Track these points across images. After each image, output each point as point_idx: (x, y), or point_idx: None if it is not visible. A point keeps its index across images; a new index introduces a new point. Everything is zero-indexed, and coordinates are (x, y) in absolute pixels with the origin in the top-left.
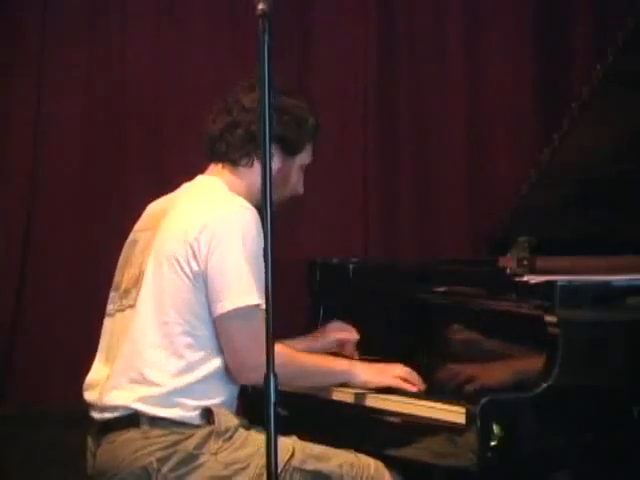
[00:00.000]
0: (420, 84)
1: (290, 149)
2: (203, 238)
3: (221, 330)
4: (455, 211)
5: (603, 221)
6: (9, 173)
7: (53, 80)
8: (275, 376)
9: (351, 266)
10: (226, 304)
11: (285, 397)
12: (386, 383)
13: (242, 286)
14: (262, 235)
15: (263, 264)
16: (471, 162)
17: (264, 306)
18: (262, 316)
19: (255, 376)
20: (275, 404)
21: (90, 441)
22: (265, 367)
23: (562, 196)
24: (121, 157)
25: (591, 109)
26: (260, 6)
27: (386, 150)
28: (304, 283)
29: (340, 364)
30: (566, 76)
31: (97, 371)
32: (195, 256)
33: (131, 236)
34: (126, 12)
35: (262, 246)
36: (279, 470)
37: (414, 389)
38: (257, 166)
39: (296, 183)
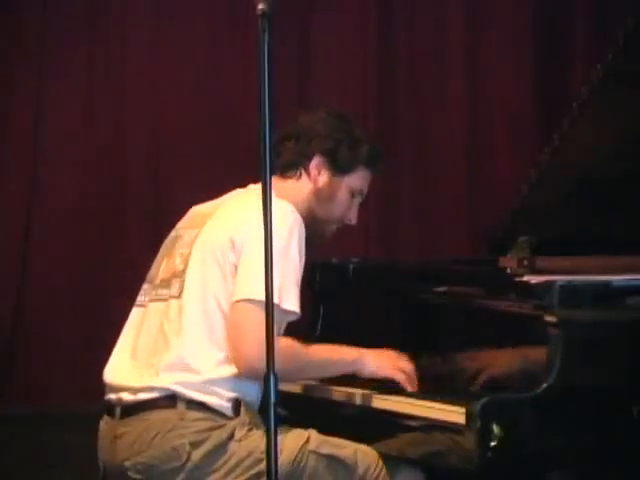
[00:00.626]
0: (420, 84)
1: (339, 167)
2: (243, 230)
3: (232, 317)
4: (455, 211)
5: (603, 221)
6: (9, 173)
7: (53, 80)
8: (275, 376)
9: (351, 266)
10: (243, 292)
11: (285, 397)
12: (390, 373)
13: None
14: (303, 240)
15: (296, 265)
16: (471, 162)
17: (283, 305)
18: (278, 313)
19: (257, 368)
20: (275, 404)
21: (108, 425)
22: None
23: (562, 196)
24: (121, 157)
25: (591, 109)
26: (260, 6)
27: (386, 150)
28: (304, 283)
29: (349, 353)
30: (566, 76)
31: (125, 357)
32: (234, 248)
33: (173, 233)
34: (126, 12)
35: (301, 250)
36: (295, 453)
37: (409, 389)
38: (304, 179)
39: (346, 208)
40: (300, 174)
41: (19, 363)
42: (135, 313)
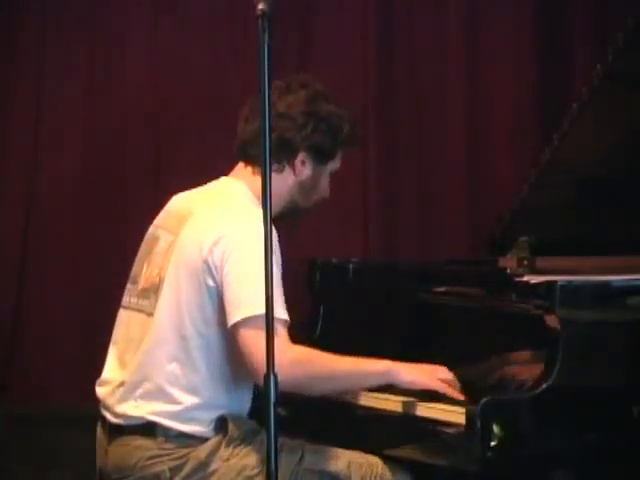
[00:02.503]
0: (420, 84)
1: (323, 158)
2: (217, 251)
3: (236, 340)
4: (455, 211)
5: (603, 221)
6: (9, 174)
7: (53, 80)
8: (275, 376)
9: (351, 266)
10: (237, 314)
11: (286, 398)
12: (432, 386)
13: (254, 296)
14: (277, 247)
15: (279, 275)
16: (471, 162)
17: (279, 315)
18: (278, 324)
19: (283, 381)
20: (275, 404)
21: (102, 435)
22: (285, 369)
23: (562, 196)
24: (121, 157)
25: (591, 109)
26: (260, 6)
27: (386, 150)
28: (304, 283)
29: (380, 364)
30: (566, 76)
31: (112, 371)
32: (210, 271)
33: (152, 229)
34: (126, 12)
35: (278, 258)
36: (290, 473)
37: (457, 395)
38: (287, 172)
39: (324, 188)
40: (283, 168)
41: (19, 363)
42: (122, 315)
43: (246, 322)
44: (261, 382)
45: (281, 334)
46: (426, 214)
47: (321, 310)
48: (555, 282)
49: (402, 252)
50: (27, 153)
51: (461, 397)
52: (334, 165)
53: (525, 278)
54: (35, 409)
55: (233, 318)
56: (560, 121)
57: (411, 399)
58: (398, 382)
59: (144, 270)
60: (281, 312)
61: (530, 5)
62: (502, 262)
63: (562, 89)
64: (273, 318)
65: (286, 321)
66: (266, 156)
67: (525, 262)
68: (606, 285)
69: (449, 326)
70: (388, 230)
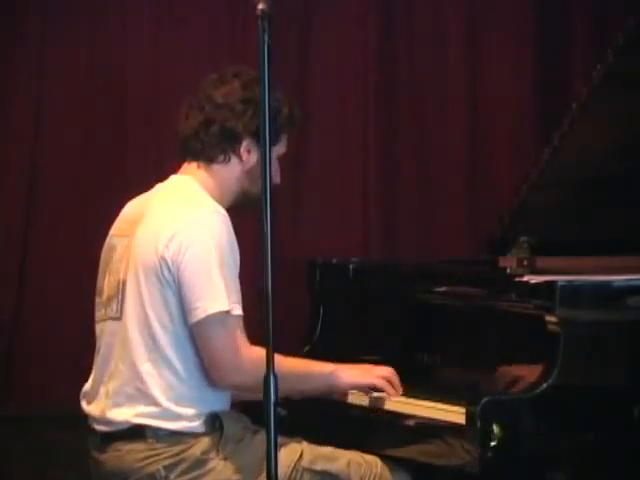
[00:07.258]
0: (420, 84)
1: None
2: (172, 247)
3: (197, 337)
4: (455, 211)
5: (603, 221)
6: (8, 173)
7: (53, 80)
8: (275, 376)
9: (351, 266)
10: (198, 312)
11: (285, 398)
12: (371, 382)
13: (212, 293)
14: (233, 238)
15: (236, 269)
16: (471, 162)
17: (235, 311)
18: (235, 321)
19: (235, 379)
20: (275, 404)
21: (92, 448)
22: (248, 367)
23: (562, 196)
24: (121, 157)
25: (591, 109)
26: (260, 6)
27: (386, 150)
28: (304, 283)
29: (327, 367)
30: (566, 76)
31: (93, 383)
32: (167, 265)
33: (108, 240)
34: (126, 12)
35: (234, 250)
36: (289, 471)
37: (393, 393)
38: (233, 161)
39: (273, 174)
40: (229, 158)
41: (19, 363)
42: (97, 330)
43: (204, 322)
44: (222, 384)
45: (239, 334)
46: (426, 214)
47: (321, 310)
48: (555, 282)
49: (402, 252)
50: (27, 153)
51: (398, 393)
52: (280, 149)
53: (525, 278)
54: (35, 409)
55: (191, 318)
56: (560, 121)
57: (412, 399)
58: (339, 385)
59: (106, 279)
60: (237, 308)
61: (530, 6)
62: (502, 262)
63: (562, 89)
64: (272, 321)
65: (242, 317)
66: (266, 156)
67: (525, 262)
68: (606, 285)
69: (449, 326)
70: (388, 230)
